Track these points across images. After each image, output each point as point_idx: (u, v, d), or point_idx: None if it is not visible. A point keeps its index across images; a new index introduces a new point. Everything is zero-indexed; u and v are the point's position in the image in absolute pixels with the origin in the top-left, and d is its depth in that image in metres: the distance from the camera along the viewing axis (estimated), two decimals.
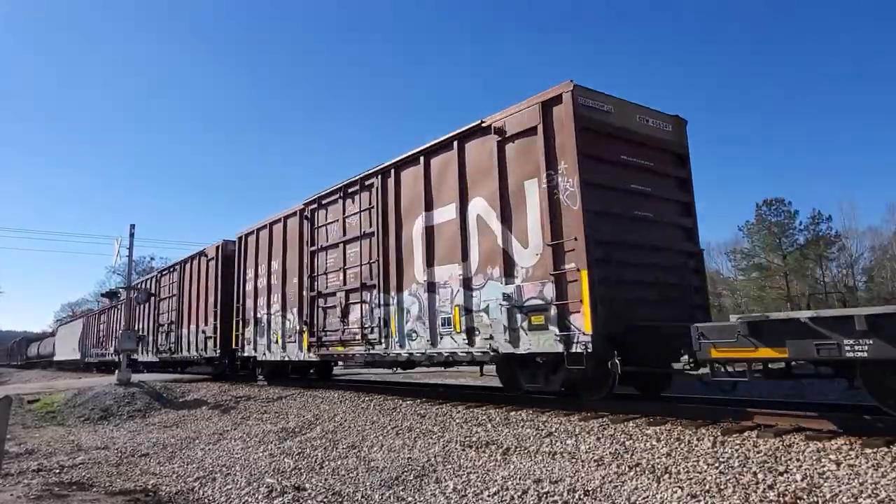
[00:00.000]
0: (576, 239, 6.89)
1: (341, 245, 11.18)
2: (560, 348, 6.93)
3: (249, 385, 14.94)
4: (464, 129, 8.71)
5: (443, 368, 11.11)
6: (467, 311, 8.26)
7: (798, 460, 4.58)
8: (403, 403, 9.41)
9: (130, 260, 19.78)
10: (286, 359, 12.90)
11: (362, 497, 5.23)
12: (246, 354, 14.67)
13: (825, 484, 4.06)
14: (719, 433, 5.57)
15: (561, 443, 5.97)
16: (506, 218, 7.84)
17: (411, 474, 5.64)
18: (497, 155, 8.05)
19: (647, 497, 4.30)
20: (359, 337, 10.41)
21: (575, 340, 6.79)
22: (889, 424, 5.01)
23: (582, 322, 6.72)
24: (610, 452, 5.41)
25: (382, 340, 9.83)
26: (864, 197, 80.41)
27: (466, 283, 8.33)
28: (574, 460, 5.35)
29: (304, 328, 12.01)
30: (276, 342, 13.23)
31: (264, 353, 13.78)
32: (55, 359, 42.53)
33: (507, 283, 7.68)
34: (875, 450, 4.59)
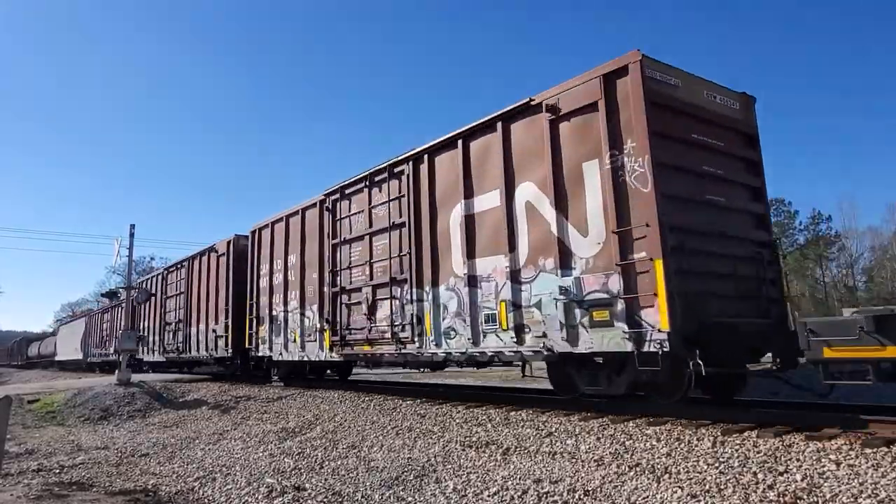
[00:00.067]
0: (647, 225, 6.17)
1: (367, 237, 10.46)
2: (629, 347, 6.21)
3: (249, 385, 14.70)
4: (508, 108, 7.99)
5: (474, 368, 10.56)
6: (515, 306, 7.54)
7: (798, 460, 4.55)
8: (403, 403, 9.34)
9: (130, 260, 19.53)
10: (305, 359, 12.17)
11: (362, 497, 5.21)
12: (260, 354, 13.94)
13: (825, 484, 4.04)
14: (719, 433, 5.53)
15: (561, 443, 5.94)
16: (561, 204, 7.12)
17: (411, 474, 5.62)
18: (549, 135, 7.33)
19: (647, 497, 4.28)
20: (388, 335, 9.69)
21: (647, 338, 6.07)
22: None
23: (656, 318, 6.00)
24: (610, 452, 5.39)
25: (416, 339, 9.11)
26: (864, 197, 79.76)
27: (514, 276, 7.61)
28: (574, 460, 5.33)
29: (326, 326, 11.29)
30: (294, 341, 12.50)
31: (280, 353, 13.05)
32: (57, 359, 41.82)
33: (563, 276, 6.96)
34: (875, 450, 4.55)
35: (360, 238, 10.64)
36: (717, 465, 4.70)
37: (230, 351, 15.30)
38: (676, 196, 6.45)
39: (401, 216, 9.74)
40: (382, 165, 10.22)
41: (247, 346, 14.46)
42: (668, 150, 6.51)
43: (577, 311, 6.77)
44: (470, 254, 8.32)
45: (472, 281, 8.24)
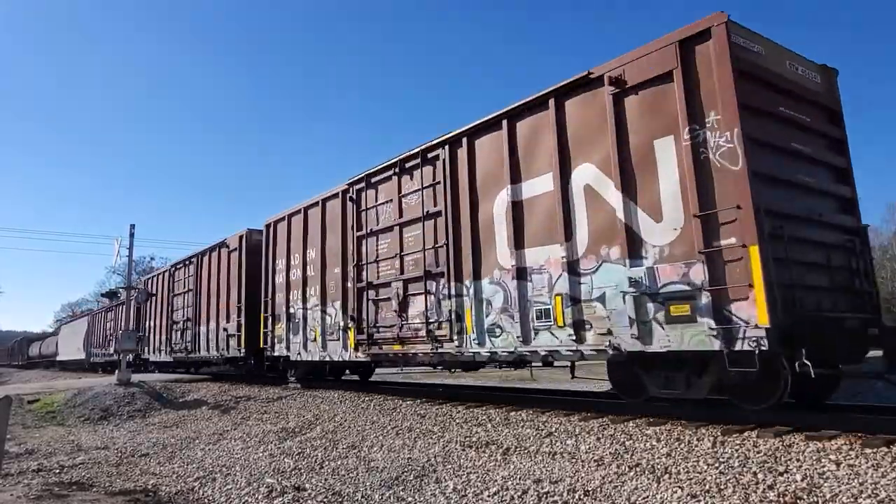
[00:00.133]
0: (738, 207, 5.43)
1: (397, 228, 9.73)
2: (716, 345, 5.48)
3: (249, 385, 14.59)
4: (562, 83, 7.27)
5: (512, 368, 10.02)
6: (573, 300, 6.81)
7: (798, 460, 4.52)
8: (403, 403, 9.29)
9: (130, 260, 19.27)
10: (327, 359, 11.42)
11: (362, 497, 5.19)
12: (276, 354, 13.18)
13: (825, 484, 4.01)
14: (719, 433, 5.47)
15: (561, 443, 5.91)
16: (628, 186, 6.39)
17: (411, 474, 5.59)
18: (613, 110, 6.60)
19: (647, 497, 4.26)
20: (422, 333, 8.96)
21: (740, 335, 5.33)
22: None
23: (751, 312, 5.26)
24: (610, 452, 5.36)
25: (454, 337, 8.38)
26: (864, 197, 78.73)
27: (571, 268, 6.89)
28: (574, 460, 5.30)
29: (351, 324, 10.55)
30: (314, 340, 11.76)
31: (299, 353, 12.30)
32: (58, 359, 41.11)
33: (632, 266, 6.23)
34: (875, 450, 4.51)
35: (389, 229, 9.92)
36: (717, 465, 4.66)
37: (243, 351, 14.56)
38: (767, 175, 5.71)
39: (436, 205, 9.01)
40: (414, 150, 9.49)
41: (261, 345, 13.72)
42: (757, 124, 5.77)
43: (651, 306, 6.04)
44: (518, 244, 7.59)
45: (521, 273, 7.52)
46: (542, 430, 6.45)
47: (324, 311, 11.55)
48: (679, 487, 4.31)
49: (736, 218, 5.46)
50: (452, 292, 8.47)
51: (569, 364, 7.99)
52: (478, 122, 8.43)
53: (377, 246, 10.20)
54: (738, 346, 5.34)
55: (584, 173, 6.91)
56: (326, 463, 6.47)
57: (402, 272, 9.53)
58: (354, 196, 10.86)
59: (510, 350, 7.58)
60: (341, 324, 10.91)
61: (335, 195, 11.51)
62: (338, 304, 11.10)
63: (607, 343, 6.40)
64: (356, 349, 10.43)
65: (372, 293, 10.17)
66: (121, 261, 21.28)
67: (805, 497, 3.87)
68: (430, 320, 8.81)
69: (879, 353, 5.95)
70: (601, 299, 6.54)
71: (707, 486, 4.26)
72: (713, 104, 5.77)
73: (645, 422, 6.29)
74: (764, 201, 5.48)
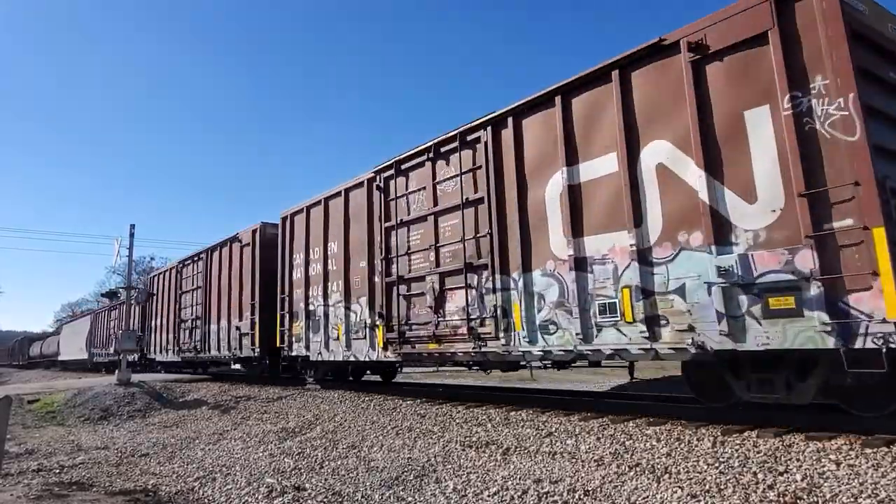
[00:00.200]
0: (856, 184, 4.72)
1: (431, 218, 9.01)
2: (830, 343, 4.75)
3: (249, 385, 14.55)
4: (628, 53, 6.55)
5: (556, 369, 9.39)
6: (646, 293, 6.09)
7: (798, 460, 4.51)
8: (403, 403, 9.30)
9: (130, 260, 18.89)
10: (352, 359, 10.69)
11: (362, 497, 5.17)
12: (294, 353, 12.45)
13: (825, 484, 4.00)
14: (719, 433, 5.46)
15: (561, 443, 5.92)
16: (712, 164, 5.67)
17: (411, 474, 5.58)
18: (692, 80, 5.88)
19: (647, 497, 4.25)
20: (462, 331, 8.24)
21: (861, 331, 4.61)
22: None
23: (875, 304, 4.53)
24: (610, 452, 5.36)
25: (501, 335, 7.65)
26: None
27: (642, 256, 6.17)
28: (574, 460, 5.30)
29: (379, 321, 9.84)
30: (337, 339, 11.03)
31: (319, 353, 11.57)
32: (60, 358, 40.38)
33: (719, 254, 5.51)
34: (875, 450, 4.49)
35: (422, 219, 9.20)
36: (717, 465, 4.66)
37: (257, 350, 13.84)
38: (883, 148, 4.99)
39: (476, 191, 8.30)
40: (451, 133, 8.77)
41: (278, 344, 12.99)
42: (871, 90, 5.06)
43: (744, 298, 5.31)
44: (576, 231, 6.87)
45: (580, 264, 6.79)
46: (542, 429, 6.46)
47: (348, 308, 10.82)
48: (679, 487, 4.29)
49: (853, 196, 4.73)
50: (498, 286, 7.75)
51: (626, 363, 7.27)
52: (525, 99, 7.71)
53: (408, 237, 9.48)
54: (858, 344, 4.62)
55: (656, 151, 6.19)
56: (326, 463, 6.45)
57: (437, 265, 8.81)
58: (382, 184, 10.15)
59: (567, 349, 6.86)
60: (368, 321, 10.19)
61: (360, 184, 10.79)
62: (363, 300, 10.38)
63: (689, 341, 5.67)
64: (385, 348, 9.71)
65: (403, 288, 9.45)
66: (121, 261, 21.06)
67: (805, 497, 3.84)
68: (472, 317, 8.09)
69: None
70: (680, 291, 5.81)
71: (707, 486, 4.24)
72: (819, 68, 5.05)
73: (645, 422, 6.33)
74: (887, 177, 4.76)
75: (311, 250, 12.17)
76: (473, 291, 8.16)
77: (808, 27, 5.15)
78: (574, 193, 6.95)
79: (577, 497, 4.45)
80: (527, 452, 5.73)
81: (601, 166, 6.71)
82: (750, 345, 5.26)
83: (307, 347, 11.94)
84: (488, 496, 4.75)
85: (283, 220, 13.32)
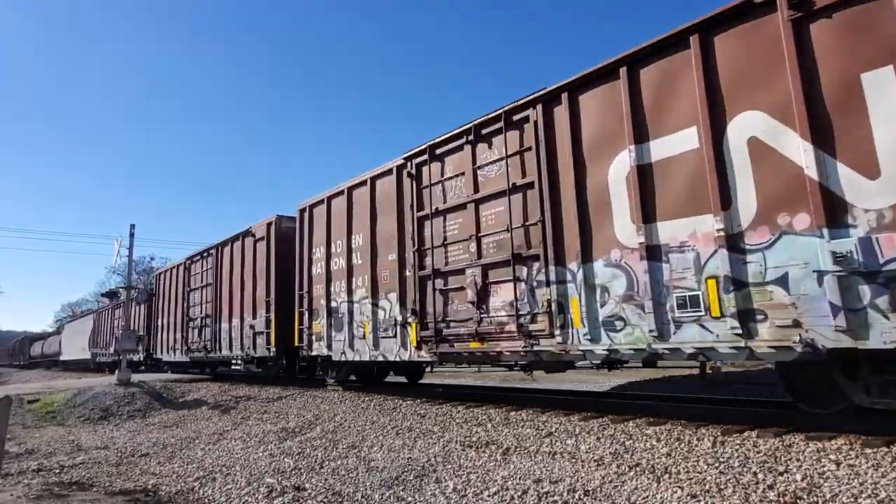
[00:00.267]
0: None
1: (471, 206, 8.28)
2: None
3: (249, 385, 14.51)
4: (707, 15, 5.82)
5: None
6: (737, 284, 5.36)
7: (798, 460, 4.48)
8: (403, 403, 9.30)
9: (130, 260, 18.75)
10: (380, 359, 9.95)
11: (362, 497, 5.15)
12: (315, 353, 11.72)
13: (825, 484, 3.96)
14: (719, 433, 5.47)
15: (561, 443, 5.91)
16: (821, 136, 4.94)
17: (411, 474, 5.57)
18: (793, 42, 5.17)
19: (647, 497, 4.21)
20: (510, 328, 7.51)
21: None
22: None
23: None
24: (610, 452, 5.35)
25: (556, 332, 6.92)
26: None
27: (732, 243, 5.43)
28: (574, 460, 5.29)
29: (412, 319, 9.10)
30: (363, 338, 10.29)
31: (343, 353, 10.83)
32: (62, 358, 39.68)
33: (833, 238, 4.79)
34: (875, 450, 4.45)
35: (461, 207, 8.47)
36: (717, 465, 4.65)
37: (273, 350, 13.09)
38: None
39: (524, 175, 7.57)
40: (494, 113, 8.05)
41: (296, 343, 12.25)
42: None
43: (866, 289, 4.58)
44: (647, 216, 6.13)
45: (653, 253, 6.06)
46: (542, 429, 6.46)
47: (375, 305, 10.09)
48: (679, 487, 4.28)
49: None
50: (552, 278, 7.02)
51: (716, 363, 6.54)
52: (582, 73, 6.98)
53: (444, 227, 8.76)
54: None
55: (747, 123, 5.45)
56: (326, 463, 6.44)
57: (479, 256, 8.08)
58: (413, 171, 9.42)
59: (638, 347, 6.12)
60: (398, 318, 9.46)
61: (388, 171, 10.07)
62: (393, 295, 9.65)
63: (796, 338, 4.94)
64: (419, 347, 8.97)
65: (439, 282, 8.72)
66: (121, 261, 20.89)
67: (805, 497, 3.82)
68: (521, 312, 7.36)
69: None
70: (781, 282, 5.08)
71: (707, 486, 4.23)
72: None
73: (645, 422, 6.33)
74: None
75: (332, 243, 11.44)
76: (522, 285, 7.43)
77: None
78: (644, 174, 6.22)
79: (577, 497, 4.43)
80: (527, 452, 5.72)
81: (677, 143, 5.98)
82: (875, 342, 4.52)
83: (329, 347, 11.20)
84: (488, 496, 4.73)
85: (301, 212, 12.58)
